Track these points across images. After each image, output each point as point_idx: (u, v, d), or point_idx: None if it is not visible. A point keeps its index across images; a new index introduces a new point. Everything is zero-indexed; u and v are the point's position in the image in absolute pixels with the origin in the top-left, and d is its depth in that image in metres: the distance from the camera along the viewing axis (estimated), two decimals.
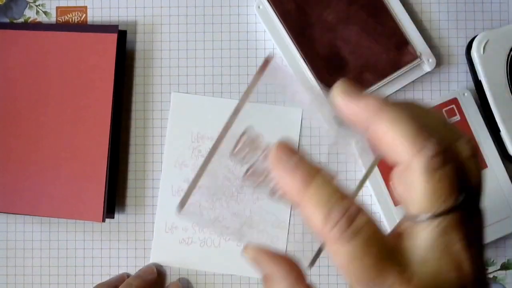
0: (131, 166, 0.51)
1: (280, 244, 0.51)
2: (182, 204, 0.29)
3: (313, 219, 0.25)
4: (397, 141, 0.24)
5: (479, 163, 0.25)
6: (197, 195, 0.30)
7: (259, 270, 0.30)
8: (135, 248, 0.51)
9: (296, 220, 0.50)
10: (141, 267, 0.50)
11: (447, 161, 0.24)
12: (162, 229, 0.50)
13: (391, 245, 0.25)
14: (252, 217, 0.50)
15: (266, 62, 0.28)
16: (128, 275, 0.50)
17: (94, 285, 0.48)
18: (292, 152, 0.27)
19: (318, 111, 0.31)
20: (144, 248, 0.51)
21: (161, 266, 0.50)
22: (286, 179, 0.26)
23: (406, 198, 0.25)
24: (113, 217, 0.50)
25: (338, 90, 0.27)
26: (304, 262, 0.29)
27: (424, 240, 0.25)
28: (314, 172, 0.25)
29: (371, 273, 0.24)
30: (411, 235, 0.25)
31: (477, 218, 0.25)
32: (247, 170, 0.31)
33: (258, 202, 0.50)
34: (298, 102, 0.32)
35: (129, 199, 0.51)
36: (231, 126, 0.29)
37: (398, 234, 0.26)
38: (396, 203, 0.47)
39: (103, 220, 0.48)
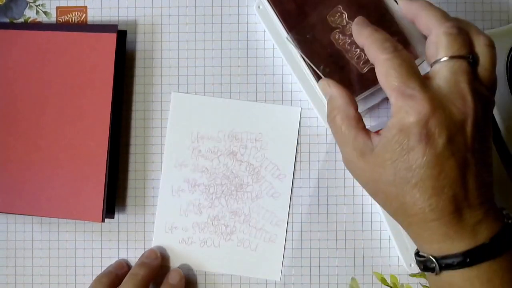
0: (131, 166, 0.51)
1: (279, 242, 0.51)
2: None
3: (372, 49, 0.39)
4: (431, 19, 0.40)
5: (493, 53, 0.39)
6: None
7: (327, 93, 0.42)
8: (135, 248, 0.51)
9: (294, 218, 0.50)
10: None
11: (461, 33, 0.38)
12: (162, 229, 0.50)
13: (419, 73, 0.38)
14: (250, 215, 0.51)
15: None
16: (126, 262, 0.50)
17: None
18: (365, 19, 0.43)
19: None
20: (144, 248, 0.51)
21: (164, 249, 0.50)
22: (361, 30, 0.41)
23: (432, 54, 0.39)
24: (113, 217, 0.50)
25: None
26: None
27: (441, 75, 0.38)
28: (376, 28, 0.41)
29: (401, 78, 0.37)
30: (433, 73, 0.38)
31: (478, 78, 0.38)
32: (338, 33, 0.46)
33: (257, 200, 0.50)
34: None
35: (129, 199, 0.51)
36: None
37: (426, 76, 0.38)
38: None
39: (103, 221, 0.48)
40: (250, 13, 0.51)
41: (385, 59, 0.38)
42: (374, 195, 0.41)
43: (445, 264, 0.37)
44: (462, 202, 0.37)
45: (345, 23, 0.46)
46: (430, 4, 0.41)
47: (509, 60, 0.48)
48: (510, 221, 0.40)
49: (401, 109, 0.37)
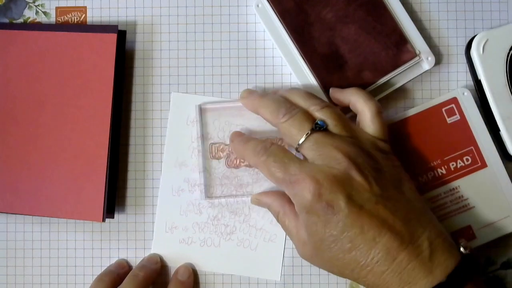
0: (131, 166, 0.51)
1: (278, 241, 0.51)
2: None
3: (249, 159, 0.44)
4: (266, 116, 0.45)
5: (329, 107, 0.43)
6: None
7: (263, 206, 0.47)
8: (135, 248, 0.51)
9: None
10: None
11: (295, 114, 0.42)
12: (162, 229, 0.50)
13: (295, 157, 0.42)
14: (250, 214, 0.50)
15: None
16: (127, 262, 0.50)
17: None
18: (239, 133, 0.47)
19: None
20: (144, 248, 0.51)
21: (164, 249, 0.50)
22: (236, 146, 0.46)
23: (289, 143, 0.43)
24: (113, 217, 0.50)
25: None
26: None
27: (308, 153, 0.41)
28: (249, 139, 0.45)
29: (282, 169, 0.41)
30: (304, 156, 0.42)
31: (336, 135, 0.42)
32: (226, 161, 0.49)
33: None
34: None
35: (129, 199, 0.51)
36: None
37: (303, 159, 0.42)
38: None
39: (103, 220, 0.48)
40: (249, 13, 0.51)
41: (262, 161, 0.42)
42: (334, 273, 0.42)
43: None
44: (400, 243, 0.38)
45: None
46: (272, 97, 0.45)
47: (508, 59, 0.48)
48: (466, 251, 0.40)
49: (296, 195, 0.40)
